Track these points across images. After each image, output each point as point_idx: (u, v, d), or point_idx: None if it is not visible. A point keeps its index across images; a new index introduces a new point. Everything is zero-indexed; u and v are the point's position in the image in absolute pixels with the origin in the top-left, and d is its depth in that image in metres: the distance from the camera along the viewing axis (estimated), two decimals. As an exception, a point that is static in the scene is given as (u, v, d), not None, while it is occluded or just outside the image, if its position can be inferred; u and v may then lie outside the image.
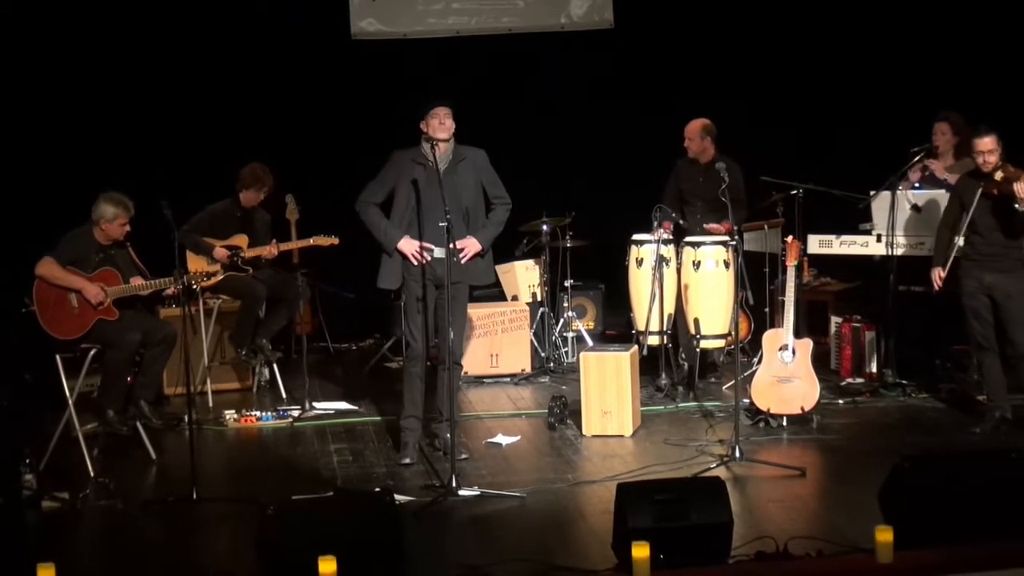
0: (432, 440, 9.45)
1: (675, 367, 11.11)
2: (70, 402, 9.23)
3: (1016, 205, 9.14)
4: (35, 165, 12.65)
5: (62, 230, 9.62)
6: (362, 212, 9.07)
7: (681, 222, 11.16)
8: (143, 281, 9.64)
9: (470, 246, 8.96)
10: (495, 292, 12.53)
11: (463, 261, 8.91)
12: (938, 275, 9.70)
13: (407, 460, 9.03)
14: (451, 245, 8.57)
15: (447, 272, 8.64)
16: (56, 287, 9.34)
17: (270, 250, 11.15)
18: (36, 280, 9.36)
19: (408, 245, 8.92)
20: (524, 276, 12.79)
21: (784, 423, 9.83)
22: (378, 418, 10.52)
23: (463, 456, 9.02)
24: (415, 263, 8.92)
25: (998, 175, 9.23)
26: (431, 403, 9.44)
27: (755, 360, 10.83)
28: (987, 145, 9.31)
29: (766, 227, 11.65)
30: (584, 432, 9.82)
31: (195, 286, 10.20)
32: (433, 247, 8.89)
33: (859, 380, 11.22)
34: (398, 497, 7.52)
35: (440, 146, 8.83)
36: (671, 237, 10.87)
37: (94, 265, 9.48)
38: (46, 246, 9.50)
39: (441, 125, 8.81)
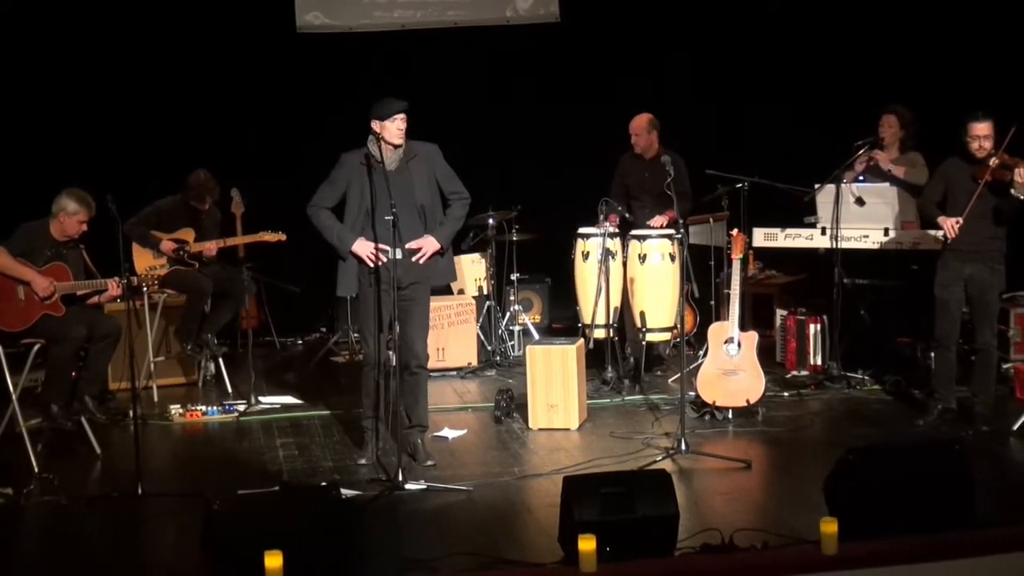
0: (384, 440, 9.36)
1: (621, 360, 11.14)
2: (14, 397, 9.15)
3: (1012, 190, 9.09)
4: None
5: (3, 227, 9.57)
6: (314, 217, 8.84)
7: (627, 216, 11.19)
8: (91, 281, 9.60)
9: (427, 245, 8.76)
10: (442, 286, 12.53)
11: (422, 261, 8.75)
12: (951, 223, 9.28)
13: (362, 461, 8.96)
14: (410, 244, 8.48)
15: (393, 273, 8.49)
16: (4, 277, 9.28)
17: (209, 248, 11.11)
18: None
19: (363, 247, 8.69)
20: (470, 270, 12.79)
21: (730, 416, 9.88)
22: (324, 412, 10.51)
23: (430, 463, 8.91)
24: (371, 265, 8.73)
25: (993, 161, 9.13)
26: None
27: (701, 353, 10.87)
28: (984, 130, 9.21)
29: (711, 220, 11.69)
30: (530, 425, 9.84)
31: (144, 287, 10.12)
32: (389, 248, 8.63)
33: (804, 373, 11.29)
34: (345, 491, 7.49)
35: (389, 145, 8.68)
36: (617, 230, 10.90)
37: (45, 259, 9.43)
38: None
39: (399, 131, 8.61)
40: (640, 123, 11.35)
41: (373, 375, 8.94)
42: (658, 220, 11.03)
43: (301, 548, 6.15)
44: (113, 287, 9.39)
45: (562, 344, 10.00)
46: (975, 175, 9.26)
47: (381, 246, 8.66)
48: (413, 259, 8.66)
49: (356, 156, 8.79)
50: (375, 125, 8.64)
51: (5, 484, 8.39)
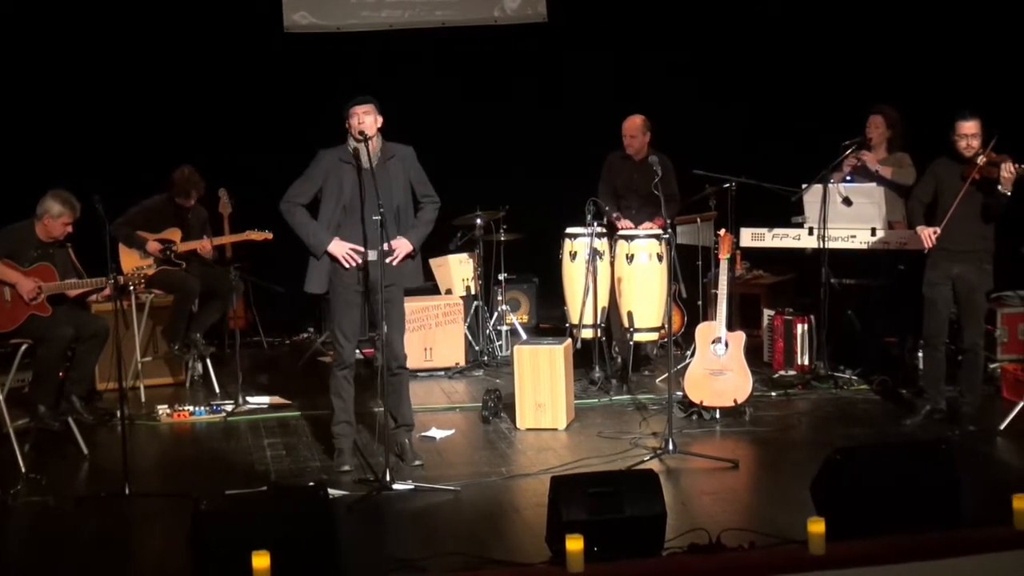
0: (371, 441, 9.35)
1: (609, 360, 11.14)
2: (0, 397, 9.14)
3: (999, 187, 9.08)
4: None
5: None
6: (288, 213, 8.74)
7: (615, 216, 11.19)
8: (78, 280, 9.59)
9: (401, 247, 8.68)
10: (429, 286, 12.52)
11: (395, 263, 8.66)
12: (927, 233, 9.37)
13: (346, 467, 8.82)
14: (385, 245, 8.39)
15: (380, 274, 8.41)
16: (-10, 278, 9.30)
17: (203, 245, 11.12)
18: None
19: (339, 248, 8.63)
20: (458, 270, 12.78)
21: (717, 416, 9.89)
22: (312, 412, 10.48)
23: (417, 463, 8.89)
24: (346, 266, 8.67)
25: (981, 159, 9.13)
26: (368, 406, 9.32)
27: (688, 353, 10.86)
28: (971, 128, 9.22)
29: (699, 220, 11.70)
30: (518, 425, 9.84)
31: (131, 287, 10.11)
32: (363, 250, 8.60)
33: (791, 372, 11.30)
34: (332, 491, 7.50)
35: (369, 144, 8.56)
36: (605, 231, 10.90)
37: (31, 260, 9.42)
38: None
39: (360, 124, 8.50)
40: (634, 124, 11.32)
41: (343, 375, 8.91)
42: (646, 225, 11.03)
43: (288, 548, 6.13)
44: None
45: (550, 344, 9.99)
46: (963, 174, 9.27)
47: (358, 247, 8.64)
48: (387, 260, 8.60)
49: (333, 153, 8.74)
50: (346, 124, 8.64)
51: (-8, 485, 8.40)
